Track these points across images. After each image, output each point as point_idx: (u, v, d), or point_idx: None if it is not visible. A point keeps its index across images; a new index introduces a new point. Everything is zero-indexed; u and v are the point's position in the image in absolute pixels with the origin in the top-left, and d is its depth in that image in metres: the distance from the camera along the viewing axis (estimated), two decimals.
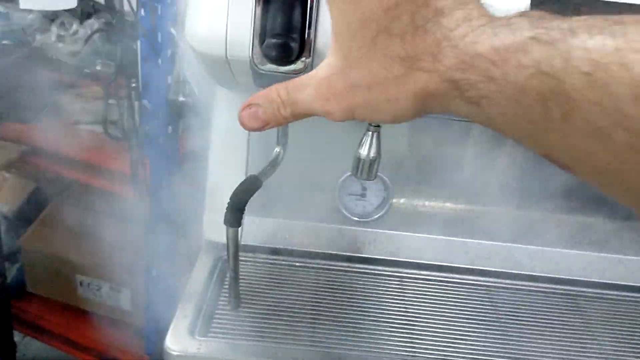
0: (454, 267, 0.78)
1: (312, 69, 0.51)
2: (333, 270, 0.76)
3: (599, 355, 0.67)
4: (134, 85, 1.22)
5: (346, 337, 0.66)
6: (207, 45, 0.52)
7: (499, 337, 0.68)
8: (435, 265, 0.78)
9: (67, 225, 1.59)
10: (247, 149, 0.75)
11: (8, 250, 1.62)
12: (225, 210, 0.60)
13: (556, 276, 0.77)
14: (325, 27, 0.50)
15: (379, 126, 0.65)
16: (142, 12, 1.11)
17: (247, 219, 0.77)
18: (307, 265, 0.76)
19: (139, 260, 1.45)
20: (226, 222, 0.60)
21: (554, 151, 0.28)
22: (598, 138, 0.25)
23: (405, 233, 0.78)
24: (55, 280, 1.68)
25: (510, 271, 0.77)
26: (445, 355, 0.65)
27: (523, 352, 0.66)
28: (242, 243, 0.79)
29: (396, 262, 0.78)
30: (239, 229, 0.61)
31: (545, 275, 0.77)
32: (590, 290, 0.76)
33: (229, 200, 0.60)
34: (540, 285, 0.77)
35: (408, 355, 0.65)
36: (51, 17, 1.72)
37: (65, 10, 1.66)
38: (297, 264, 0.76)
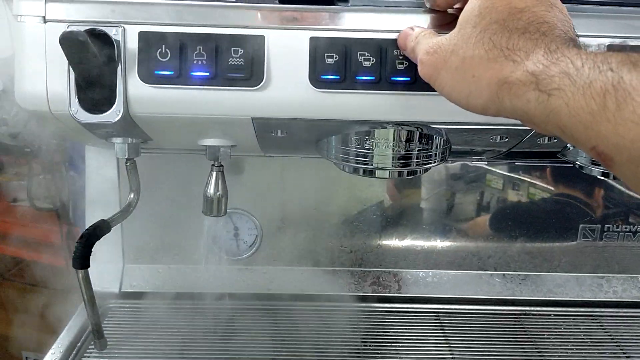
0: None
1: (125, 116, 0.57)
2: (207, 309, 0.79)
3: None
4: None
5: None
6: (31, 103, 0.58)
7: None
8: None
9: (8, 303, 1.61)
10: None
11: None
12: (73, 253, 0.64)
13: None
14: (135, 80, 0.56)
15: (222, 165, 0.70)
16: None
17: (126, 267, 0.83)
18: (182, 307, 0.80)
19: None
20: (74, 264, 0.64)
21: (602, 141, 0.33)
22: None
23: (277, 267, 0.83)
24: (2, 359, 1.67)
25: (377, 294, 0.81)
26: None
27: None
28: (123, 291, 0.83)
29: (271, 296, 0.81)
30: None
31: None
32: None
33: (76, 243, 0.64)
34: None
35: None
36: None
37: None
38: (173, 306, 0.80)
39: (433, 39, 0.45)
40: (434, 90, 0.50)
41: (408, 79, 0.54)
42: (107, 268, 0.82)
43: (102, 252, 0.81)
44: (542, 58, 0.36)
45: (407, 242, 0.86)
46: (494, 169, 0.84)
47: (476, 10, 0.41)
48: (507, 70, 0.38)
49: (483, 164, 0.83)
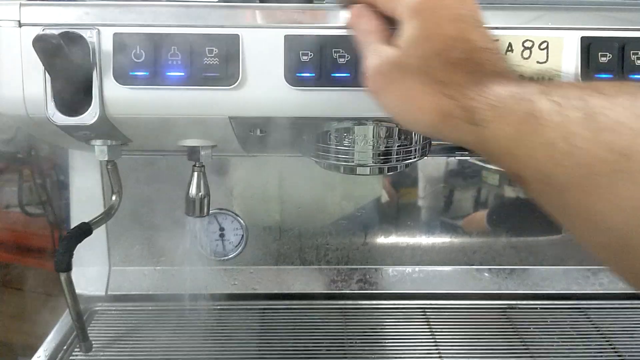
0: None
1: (102, 118, 0.57)
2: (193, 311, 0.79)
3: None
4: None
5: None
6: (9, 107, 0.57)
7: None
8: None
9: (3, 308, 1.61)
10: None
11: None
12: (55, 257, 0.64)
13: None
14: (110, 81, 0.56)
15: (203, 166, 0.71)
16: None
17: (112, 269, 0.83)
18: (169, 308, 0.80)
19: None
20: (57, 267, 0.64)
21: (522, 166, 0.37)
22: (549, 148, 0.34)
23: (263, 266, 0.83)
24: None
25: (363, 291, 0.81)
26: None
27: None
28: (110, 293, 0.83)
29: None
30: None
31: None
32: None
33: (57, 247, 0.64)
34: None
35: None
36: None
37: None
38: (160, 308, 0.80)
39: (382, 51, 0.45)
40: None
41: None
42: (93, 271, 0.82)
43: (88, 255, 0.82)
44: (475, 93, 0.39)
45: (393, 239, 0.86)
46: (476, 163, 0.84)
47: (415, 35, 0.42)
48: (445, 106, 0.40)
49: (466, 159, 0.84)
